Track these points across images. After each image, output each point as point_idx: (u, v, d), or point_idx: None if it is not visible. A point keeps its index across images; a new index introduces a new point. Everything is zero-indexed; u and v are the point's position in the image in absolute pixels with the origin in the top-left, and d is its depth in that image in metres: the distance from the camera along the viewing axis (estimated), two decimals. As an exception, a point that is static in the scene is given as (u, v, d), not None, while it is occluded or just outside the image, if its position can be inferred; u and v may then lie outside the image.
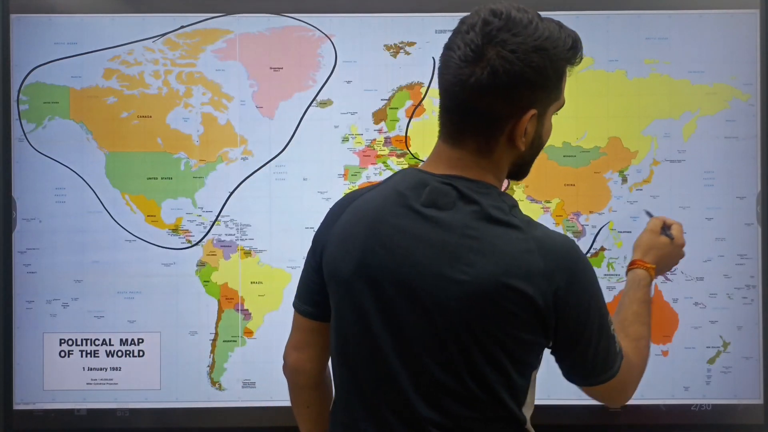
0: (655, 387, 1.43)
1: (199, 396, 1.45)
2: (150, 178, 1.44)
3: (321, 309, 0.96)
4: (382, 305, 0.86)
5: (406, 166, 1.43)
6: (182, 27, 1.44)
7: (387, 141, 1.44)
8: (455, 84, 0.83)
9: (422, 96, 1.44)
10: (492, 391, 0.85)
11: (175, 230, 1.45)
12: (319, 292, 0.95)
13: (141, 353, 1.45)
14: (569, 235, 1.39)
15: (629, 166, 1.44)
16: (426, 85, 1.44)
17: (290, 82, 1.44)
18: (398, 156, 1.44)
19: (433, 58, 1.44)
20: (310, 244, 1.42)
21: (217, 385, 1.45)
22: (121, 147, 1.44)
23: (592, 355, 0.88)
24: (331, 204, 1.42)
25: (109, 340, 1.45)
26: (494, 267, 0.81)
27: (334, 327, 0.93)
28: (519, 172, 0.93)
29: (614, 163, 1.44)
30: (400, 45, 1.44)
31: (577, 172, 1.44)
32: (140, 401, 1.45)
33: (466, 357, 0.83)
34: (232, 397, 1.45)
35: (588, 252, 1.44)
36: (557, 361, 0.91)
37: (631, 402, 1.41)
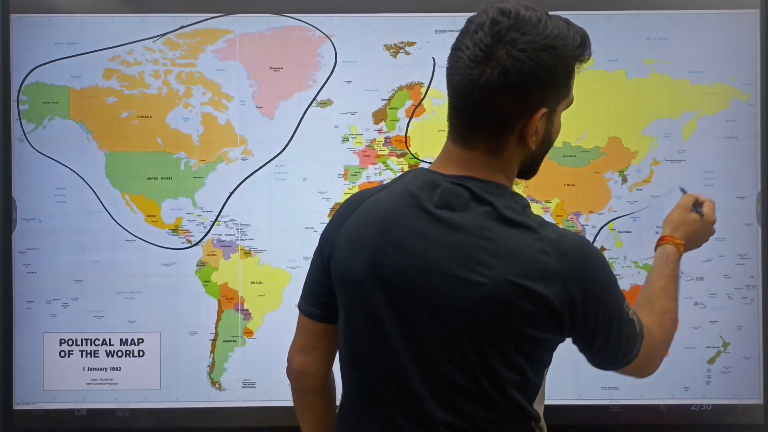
0: (655, 387, 1.43)
1: (199, 396, 1.45)
2: (150, 178, 1.44)
3: (327, 311, 0.95)
4: (395, 307, 0.85)
5: (406, 166, 1.44)
6: (182, 27, 1.44)
7: (387, 141, 1.44)
8: (465, 84, 0.82)
9: (422, 96, 1.44)
10: (506, 392, 0.84)
11: (175, 230, 1.45)
12: (325, 294, 0.94)
13: (141, 353, 1.45)
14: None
15: (629, 166, 1.44)
16: (426, 85, 1.44)
17: (290, 82, 1.44)
18: (398, 156, 1.44)
19: (433, 58, 1.44)
20: (310, 244, 1.43)
21: (217, 385, 1.45)
22: (121, 147, 1.44)
23: (613, 344, 0.90)
24: (331, 204, 1.44)
25: (109, 340, 1.45)
26: (509, 268, 0.81)
27: (344, 329, 0.92)
28: (529, 171, 0.93)
29: (614, 163, 1.44)
30: (400, 45, 1.44)
31: (577, 172, 1.44)
32: (140, 401, 1.45)
33: (482, 357, 0.83)
34: (232, 397, 1.45)
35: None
36: (579, 350, 0.92)
37: (631, 402, 1.43)
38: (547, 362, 0.89)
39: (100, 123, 1.44)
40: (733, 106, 1.44)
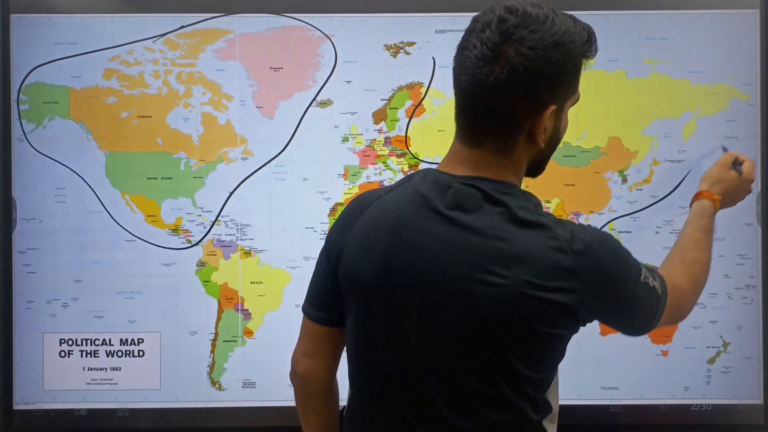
0: (655, 387, 1.44)
1: (199, 396, 1.45)
2: (150, 178, 1.44)
3: (334, 314, 0.94)
4: (409, 310, 0.84)
5: (406, 166, 1.44)
6: (182, 27, 1.44)
7: (387, 141, 1.44)
8: (473, 84, 0.81)
9: (422, 96, 1.44)
10: (523, 391, 0.85)
11: (175, 230, 1.45)
12: (332, 298, 0.93)
13: (141, 353, 1.45)
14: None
15: (629, 166, 1.44)
16: (426, 85, 1.44)
17: (290, 82, 1.44)
18: (398, 156, 1.44)
19: (433, 58, 1.44)
20: (310, 244, 1.44)
21: (217, 385, 1.45)
22: (121, 147, 1.44)
23: (637, 318, 0.91)
24: (331, 204, 1.44)
25: (109, 340, 1.45)
26: (526, 268, 0.80)
27: (354, 333, 0.90)
28: (537, 168, 0.92)
29: (614, 163, 1.44)
30: (400, 45, 1.44)
31: (577, 172, 1.44)
32: (140, 401, 1.45)
33: (500, 358, 0.83)
34: (232, 397, 1.45)
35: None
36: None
37: (631, 402, 1.43)
38: (562, 356, 0.90)
39: (100, 123, 1.44)
40: (733, 106, 1.44)
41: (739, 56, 1.44)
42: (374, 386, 0.90)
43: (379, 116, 1.45)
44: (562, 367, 0.92)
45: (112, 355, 1.45)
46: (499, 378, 0.83)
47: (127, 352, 1.45)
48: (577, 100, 0.89)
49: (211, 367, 1.45)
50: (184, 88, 1.44)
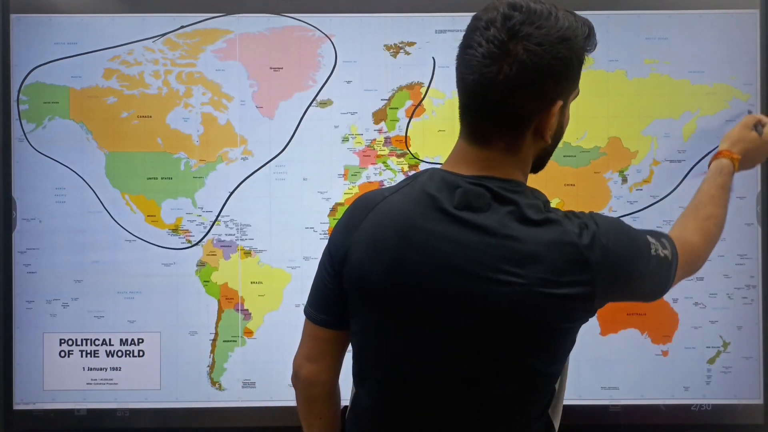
0: (655, 387, 1.44)
1: (199, 396, 1.45)
2: (150, 178, 1.44)
3: (338, 318, 0.93)
4: (420, 313, 0.83)
5: (406, 166, 1.44)
6: (182, 27, 1.44)
7: (387, 141, 1.44)
8: (481, 83, 0.80)
9: (422, 96, 1.44)
10: (536, 388, 0.85)
11: (175, 230, 1.45)
12: (336, 300, 0.91)
13: (141, 353, 1.45)
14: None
15: (629, 166, 1.44)
16: (426, 85, 1.44)
17: (290, 82, 1.44)
18: (398, 156, 1.44)
19: (433, 58, 1.44)
20: (310, 244, 1.44)
21: (217, 385, 1.45)
22: (121, 147, 1.44)
23: (652, 288, 0.92)
24: (331, 204, 1.44)
25: (109, 340, 1.45)
26: (540, 266, 0.80)
27: (362, 335, 0.90)
28: (540, 164, 0.92)
29: (614, 163, 1.44)
30: (400, 45, 1.44)
31: (577, 172, 1.44)
32: (140, 401, 1.45)
33: (516, 356, 0.82)
34: (232, 397, 1.45)
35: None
36: None
37: (631, 402, 1.44)
38: (572, 346, 0.90)
39: (100, 123, 1.44)
40: (733, 106, 1.44)
41: (739, 56, 1.44)
42: (385, 388, 0.89)
43: (379, 116, 1.45)
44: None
45: (112, 355, 1.45)
46: (513, 375, 0.83)
47: (127, 352, 1.45)
48: (578, 94, 0.89)
49: (211, 367, 1.45)
50: (184, 88, 1.44)
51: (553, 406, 0.92)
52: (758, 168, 1.43)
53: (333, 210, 1.44)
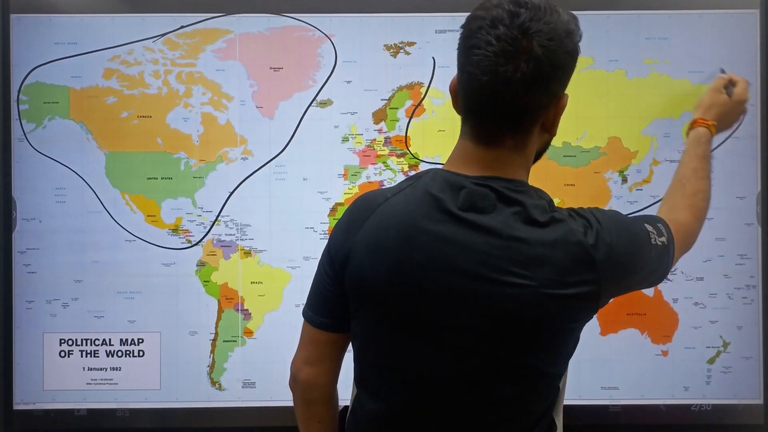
0: (655, 387, 1.44)
1: (199, 396, 1.45)
2: (150, 178, 1.44)
3: (338, 320, 0.92)
4: (424, 315, 0.83)
5: (406, 166, 1.44)
6: (182, 27, 1.44)
7: (387, 141, 1.44)
8: (498, 82, 0.79)
9: (422, 96, 1.44)
10: (539, 389, 0.85)
11: (175, 230, 1.45)
12: (337, 303, 0.90)
13: (141, 353, 1.45)
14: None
15: (629, 166, 1.44)
16: (426, 85, 1.44)
17: (290, 82, 1.44)
18: (398, 156, 1.44)
19: (433, 58, 1.44)
20: (310, 244, 1.44)
21: (217, 385, 1.45)
22: (121, 147, 1.44)
23: (653, 275, 0.93)
24: (331, 204, 1.44)
25: (109, 340, 1.45)
26: (547, 268, 0.80)
27: (366, 338, 0.89)
28: (539, 157, 0.93)
29: (614, 163, 1.44)
30: (400, 45, 1.44)
31: (577, 172, 1.44)
32: (140, 401, 1.45)
33: (522, 357, 0.82)
34: (232, 397, 1.45)
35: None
36: None
37: (631, 402, 1.44)
38: (576, 345, 0.90)
39: (100, 123, 1.44)
40: (733, 106, 1.44)
41: (739, 56, 1.44)
42: (386, 389, 0.88)
43: (379, 116, 1.45)
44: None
45: (112, 355, 1.45)
46: (519, 376, 0.83)
47: (127, 352, 1.45)
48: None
49: (211, 367, 1.45)
50: (184, 88, 1.44)
51: (555, 407, 0.92)
52: (758, 168, 1.43)
53: (333, 210, 1.44)
